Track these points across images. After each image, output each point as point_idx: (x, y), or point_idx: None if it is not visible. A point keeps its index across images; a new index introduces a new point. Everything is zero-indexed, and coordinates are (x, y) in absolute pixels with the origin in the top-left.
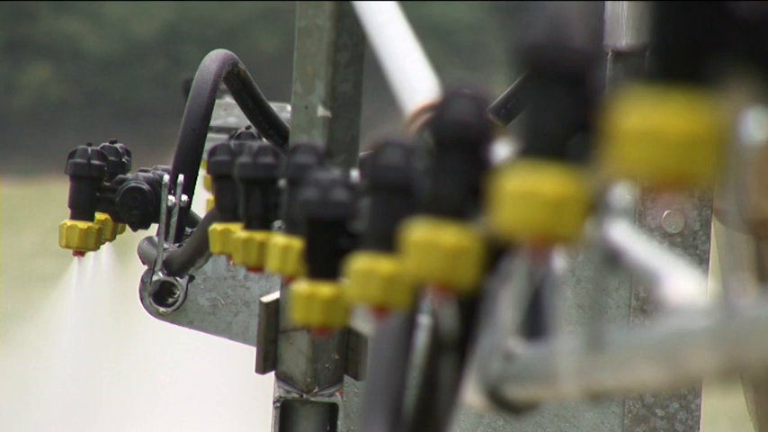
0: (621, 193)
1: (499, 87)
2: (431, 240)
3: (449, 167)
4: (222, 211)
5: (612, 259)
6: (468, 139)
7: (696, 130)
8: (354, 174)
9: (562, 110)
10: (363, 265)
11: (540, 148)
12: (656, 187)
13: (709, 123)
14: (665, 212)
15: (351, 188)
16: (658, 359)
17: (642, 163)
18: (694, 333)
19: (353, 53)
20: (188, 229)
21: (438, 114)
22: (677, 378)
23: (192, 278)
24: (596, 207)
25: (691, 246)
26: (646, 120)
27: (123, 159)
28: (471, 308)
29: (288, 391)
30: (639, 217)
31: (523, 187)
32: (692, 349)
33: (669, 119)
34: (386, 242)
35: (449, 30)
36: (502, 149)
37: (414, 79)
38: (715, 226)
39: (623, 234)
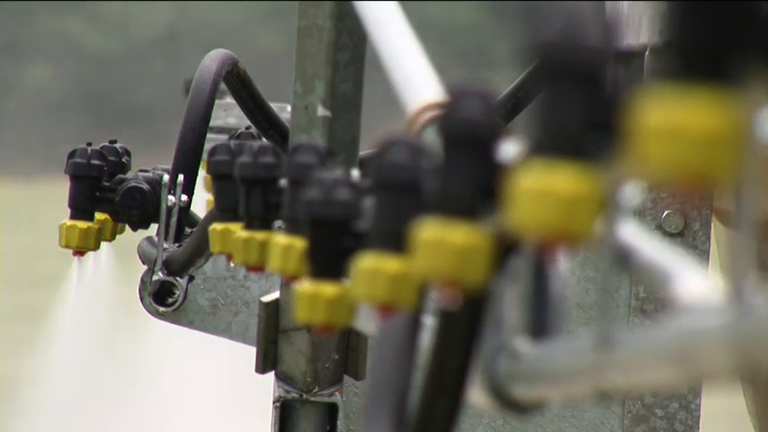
0: (633, 192)
1: (500, 88)
2: (440, 239)
3: (459, 166)
4: (222, 210)
5: (623, 258)
6: (479, 138)
7: (720, 127)
8: (355, 173)
9: (577, 107)
10: (370, 264)
11: (555, 145)
12: (678, 184)
13: (733, 121)
14: (665, 212)
15: (354, 188)
16: (671, 357)
17: (665, 160)
18: (708, 331)
19: (353, 53)
20: (188, 229)
21: (448, 113)
22: (690, 377)
23: (191, 278)
24: (607, 205)
25: (691, 246)
26: (668, 117)
27: (123, 159)
28: (478, 306)
29: (288, 391)
30: (639, 217)
31: (538, 185)
32: (705, 347)
33: (692, 116)
34: (392, 241)
35: (450, 30)
36: (509, 148)
37: (415, 79)
38: (715, 226)
39: (633, 233)
